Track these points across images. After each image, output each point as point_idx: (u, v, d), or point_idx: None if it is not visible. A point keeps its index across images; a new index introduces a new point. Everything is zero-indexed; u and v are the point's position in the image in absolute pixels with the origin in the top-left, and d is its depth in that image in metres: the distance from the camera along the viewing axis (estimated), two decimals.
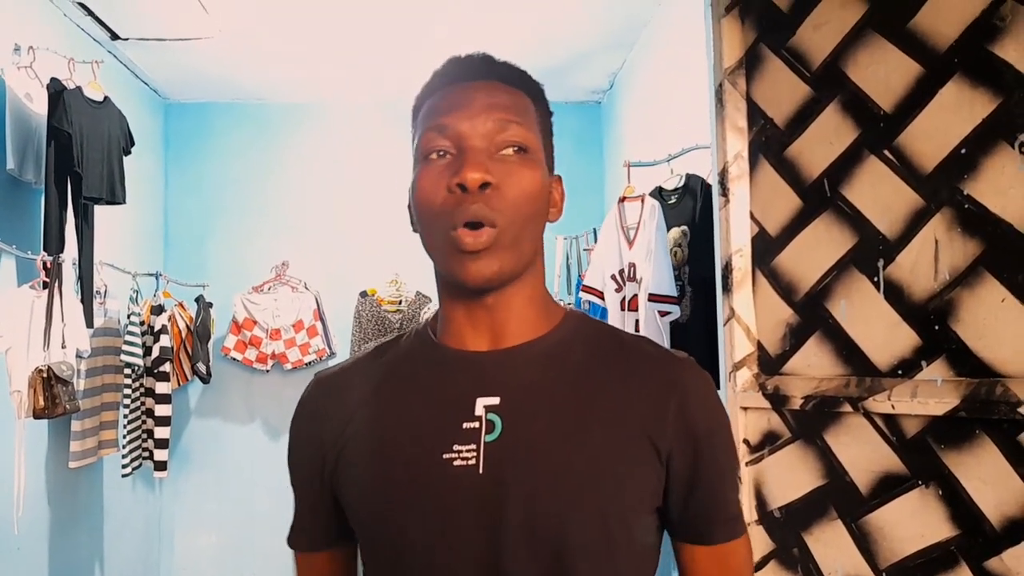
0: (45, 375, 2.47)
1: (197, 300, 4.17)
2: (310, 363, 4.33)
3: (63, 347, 2.59)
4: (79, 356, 2.78)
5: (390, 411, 0.76)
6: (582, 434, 0.71)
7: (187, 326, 4.10)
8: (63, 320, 2.61)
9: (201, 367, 4.02)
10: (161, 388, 3.67)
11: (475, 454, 0.71)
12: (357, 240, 4.51)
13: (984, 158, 1.24)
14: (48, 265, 2.60)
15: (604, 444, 0.71)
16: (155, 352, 3.51)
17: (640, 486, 0.72)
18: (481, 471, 0.70)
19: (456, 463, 0.71)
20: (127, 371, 3.44)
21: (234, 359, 4.28)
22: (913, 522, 1.31)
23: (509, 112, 0.74)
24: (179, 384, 4.05)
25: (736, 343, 1.56)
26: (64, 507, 3.24)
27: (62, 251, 2.76)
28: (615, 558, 0.71)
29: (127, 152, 3.16)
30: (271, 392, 4.48)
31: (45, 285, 2.59)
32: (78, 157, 2.80)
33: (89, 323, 2.96)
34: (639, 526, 0.73)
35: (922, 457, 1.30)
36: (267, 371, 4.38)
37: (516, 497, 0.69)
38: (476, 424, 0.72)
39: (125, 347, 3.33)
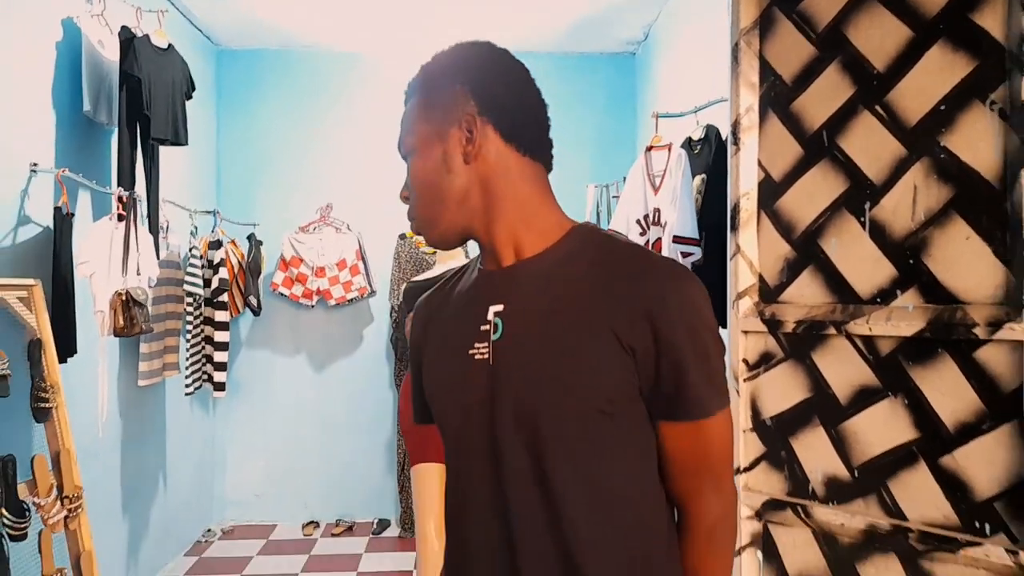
0: (124, 298, 2.76)
1: (249, 238, 4.45)
2: (352, 300, 4.62)
3: (138, 274, 2.88)
4: (150, 284, 3.07)
5: (445, 317, 1.02)
6: (560, 334, 0.91)
7: (239, 262, 4.39)
8: (137, 249, 2.89)
9: (252, 300, 4.32)
10: (220, 316, 3.98)
11: (487, 350, 0.93)
12: (397, 186, 4.72)
13: (960, 114, 1.42)
14: (124, 200, 2.88)
15: (577, 344, 0.90)
16: (214, 283, 3.80)
17: (610, 380, 0.89)
18: (492, 363, 0.93)
19: (476, 357, 0.94)
20: (188, 300, 3.75)
21: (282, 295, 4.58)
22: (883, 428, 1.53)
23: (403, 129, 0.99)
24: (231, 316, 4.37)
25: (740, 275, 1.77)
26: (133, 422, 3.59)
27: (134, 187, 3.04)
28: (587, 433, 0.88)
29: (189, 96, 3.41)
30: (316, 327, 4.78)
31: (121, 218, 2.87)
32: (147, 100, 3.05)
33: (157, 254, 3.25)
34: (612, 413, 0.88)
35: (893, 372, 1.51)
36: (312, 307, 4.68)
37: (506, 385, 0.91)
38: (488, 327, 0.94)
39: (187, 278, 3.63)
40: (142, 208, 3.25)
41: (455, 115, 0.93)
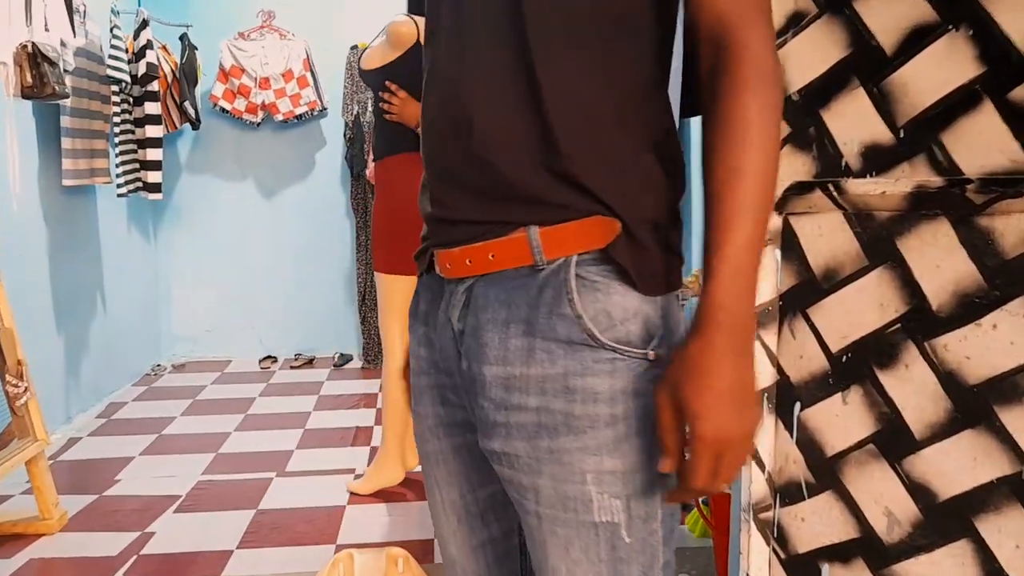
0: (30, 51, 2.36)
1: (181, 39, 3.99)
2: (301, 116, 4.23)
3: (46, 30, 2.47)
4: (63, 45, 2.67)
5: None
6: None
7: (172, 71, 3.95)
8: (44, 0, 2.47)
9: (190, 108, 3.91)
10: (152, 131, 3.57)
11: None
12: None
13: None
14: None
15: None
16: (141, 69, 3.37)
17: None
18: None
19: None
20: (114, 89, 3.34)
21: (223, 110, 4.17)
22: (938, 70, 1.29)
23: None
24: (168, 131, 3.97)
25: None
26: (60, 229, 3.24)
27: None
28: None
29: None
30: (263, 148, 4.40)
31: None
32: None
33: (73, 31, 2.83)
34: None
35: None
36: (258, 125, 4.29)
37: None
38: None
39: (110, 62, 3.21)
40: None
41: None
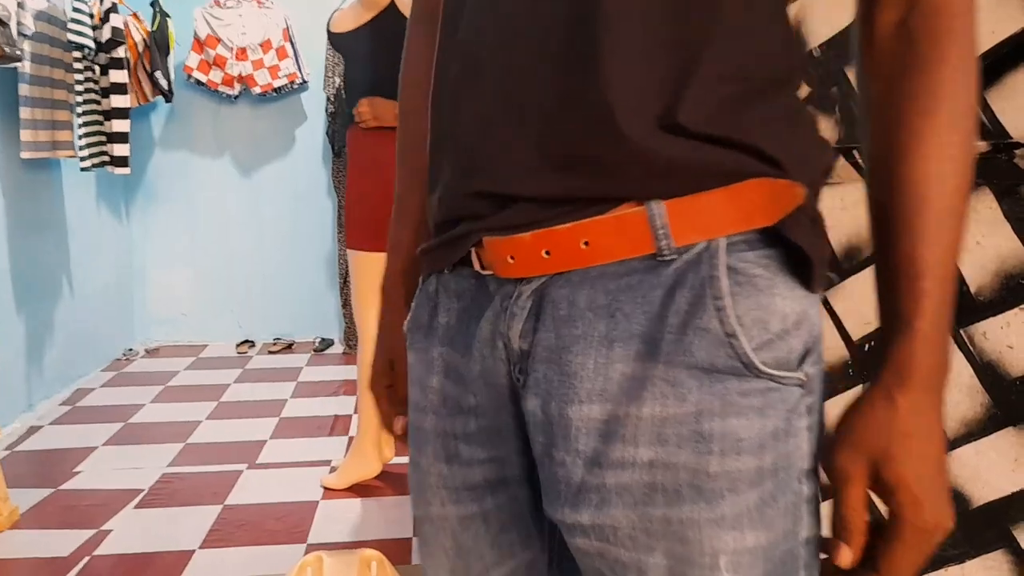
0: None
1: (153, 5, 3.78)
2: (280, 88, 4.04)
3: None
4: (20, 7, 2.47)
5: None
6: None
7: (144, 40, 3.74)
8: None
9: (161, 79, 3.71)
10: (119, 101, 3.37)
11: None
12: None
13: None
14: None
15: None
16: (106, 34, 3.17)
17: None
18: None
19: None
20: (76, 55, 3.14)
21: (198, 81, 3.97)
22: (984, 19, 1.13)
23: None
24: (140, 103, 3.77)
25: None
26: (21, 206, 3.05)
27: None
28: None
29: None
30: (241, 123, 4.20)
31: None
32: None
33: None
34: None
35: None
36: (235, 98, 4.09)
37: None
38: None
39: (72, 26, 3.01)
40: None
41: None
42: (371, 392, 0.78)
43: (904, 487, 0.51)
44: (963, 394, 1.21)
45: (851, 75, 1.28)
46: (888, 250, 0.54)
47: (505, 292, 0.57)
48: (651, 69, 0.50)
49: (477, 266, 0.59)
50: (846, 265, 1.30)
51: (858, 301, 1.28)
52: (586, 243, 0.52)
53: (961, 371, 1.21)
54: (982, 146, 1.15)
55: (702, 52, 0.50)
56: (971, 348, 1.20)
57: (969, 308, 1.19)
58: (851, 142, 1.28)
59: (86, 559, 2.01)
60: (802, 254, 0.52)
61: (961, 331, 1.20)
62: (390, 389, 0.78)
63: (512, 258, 0.55)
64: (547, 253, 0.53)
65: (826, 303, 1.29)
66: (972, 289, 1.18)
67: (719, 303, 0.51)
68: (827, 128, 1.30)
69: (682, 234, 0.51)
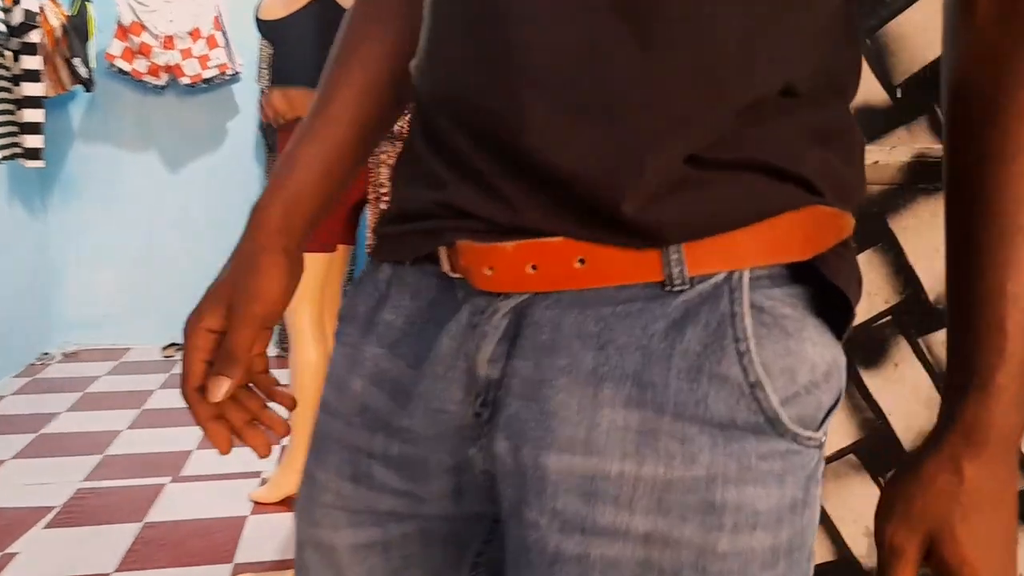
0: None
1: None
2: (210, 79, 3.85)
3: None
4: None
5: None
6: None
7: (62, 24, 3.52)
8: None
9: (81, 67, 3.49)
10: (32, 89, 3.15)
11: None
12: None
13: None
14: None
15: None
16: (17, 18, 2.95)
17: None
18: None
19: None
20: None
21: (122, 71, 3.76)
22: None
23: None
24: (57, 92, 3.54)
25: None
26: None
27: None
28: None
29: None
30: (169, 116, 4.00)
31: None
32: None
33: None
34: None
35: None
36: (162, 89, 3.89)
37: None
38: None
39: None
40: None
41: None
42: (186, 332, 0.56)
43: (965, 567, 0.45)
44: (921, 405, 1.18)
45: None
46: (967, 284, 0.46)
47: (477, 305, 0.47)
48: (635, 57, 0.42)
49: (446, 267, 0.49)
50: None
51: None
52: (582, 260, 0.44)
53: (919, 382, 1.17)
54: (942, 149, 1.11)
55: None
56: (929, 358, 1.17)
57: (927, 316, 1.15)
58: None
59: None
60: (838, 294, 0.45)
61: (919, 340, 1.17)
62: (212, 336, 0.55)
63: (489, 271, 0.46)
64: (533, 268, 0.45)
65: None
66: (931, 297, 1.15)
67: (741, 346, 0.42)
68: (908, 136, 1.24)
69: (699, 261, 0.43)
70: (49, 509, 2.24)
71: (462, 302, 0.48)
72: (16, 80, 3.11)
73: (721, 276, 0.43)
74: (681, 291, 0.43)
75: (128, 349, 4.05)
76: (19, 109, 3.13)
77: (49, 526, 2.14)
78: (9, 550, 2.01)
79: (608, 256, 0.43)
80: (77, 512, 2.23)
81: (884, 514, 0.48)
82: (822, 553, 1.22)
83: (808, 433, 0.45)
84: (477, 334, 0.47)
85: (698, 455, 0.43)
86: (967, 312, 0.46)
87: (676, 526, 0.43)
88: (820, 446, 0.46)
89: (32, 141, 3.13)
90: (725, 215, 0.43)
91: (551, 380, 0.44)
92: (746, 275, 0.43)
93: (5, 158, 3.07)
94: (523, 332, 0.46)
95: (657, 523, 0.43)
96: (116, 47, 3.73)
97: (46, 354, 3.85)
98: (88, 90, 3.67)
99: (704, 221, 0.43)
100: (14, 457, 2.63)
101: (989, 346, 0.45)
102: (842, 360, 0.47)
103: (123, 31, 3.71)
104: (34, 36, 3.10)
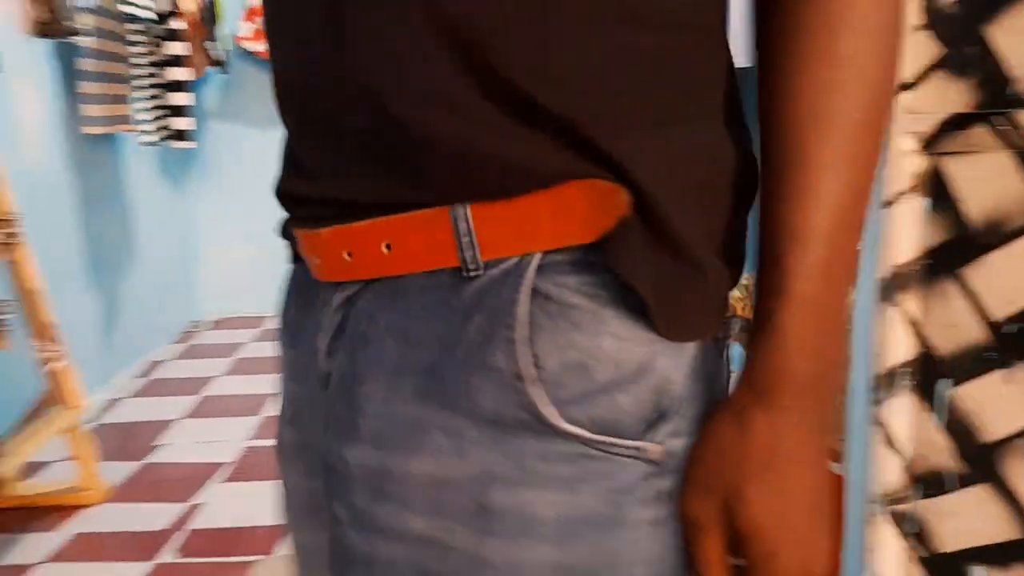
0: None
1: None
2: None
3: None
4: None
5: None
6: None
7: (198, 9, 3.70)
8: None
9: (217, 49, 3.67)
10: (178, 74, 3.35)
11: None
12: None
13: None
14: None
15: None
16: (163, 4, 3.13)
17: None
18: None
19: None
20: (133, 27, 3.12)
21: (250, 52, 3.93)
22: None
23: None
24: (196, 76, 3.74)
25: None
26: (85, 180, 3.06)
27: None
28: None
29: None
30: None
31: None
32: None
33: None
34: None
35: None
36: None
37: None
38: None
39: None
40: None
41: None
42: None
43: (758, 535, 0.39)
44: None
45: (990, 32, 1.19)
46: (765, 219, 0.41)
47: (324, 298, 0.47)
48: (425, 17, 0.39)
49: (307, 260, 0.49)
50: (986, 241, 1.22)
51: (1000, 280, 1.21)
52: (388, 246, 0.41)
53: None
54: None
55: None
56: None
57: None
58: (992, 107, 1.19)
59: (183, 531, 2.05)
60: (631, 281, 0.39)
61: None
62: None
63: (317, 259, 0.45)
64: (349, 255, 0.43)
65: (961, 280, 1.22)
66: None
67: (510, 334, 0.39)
68: (961, 91, 1.21)
69: (491, 245, 0.40)
70: (219, 465, 2.45)
71: (316, 297, 0.48)
72: (164, 65, 3.32)
73: (512, 261, 0.40)
74: (476, 277, 0.40)
75: (265, 317, 4.31)
76: (167, 92, 3.34)
77: (226, 480, 2.35)
78: (196, 501, 2.22)
79: (409, 238, 0.41)
80: (248, 468, 2.43)
81: (684, 486, 0.42)
82: (1006, 530, 1.21)
83: (610, 439, 0.40)
84: (321, 327, 0.47)
85: (468, 451, 0.40)
86: (762, 250, 0.41)
87: (448, 529, 0.40)
88: (647, 459, 0.40)
89: (181, 123, 3.34)
90: (515, 174, 0.39)
91: (360, 373, 0.43)
92: (535, 259, 0.39)
93: (159, 140, 3.29)
94: (347, 325, 0.45)
95: (431, 524, 0.40)
96: (245, 28, 3.90)
97: (196, 323, 4.15)
98: (223, 72, 3.87)
99: (497, 179, 0.39)
100: (183, 417, 2.88)
101: (769, 286, 0.40)
102: (667, 360, 0.41)
103: (251, 13, 3.88)
104: (177, 22, 3.29)
